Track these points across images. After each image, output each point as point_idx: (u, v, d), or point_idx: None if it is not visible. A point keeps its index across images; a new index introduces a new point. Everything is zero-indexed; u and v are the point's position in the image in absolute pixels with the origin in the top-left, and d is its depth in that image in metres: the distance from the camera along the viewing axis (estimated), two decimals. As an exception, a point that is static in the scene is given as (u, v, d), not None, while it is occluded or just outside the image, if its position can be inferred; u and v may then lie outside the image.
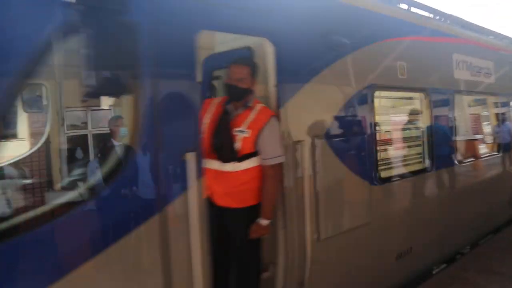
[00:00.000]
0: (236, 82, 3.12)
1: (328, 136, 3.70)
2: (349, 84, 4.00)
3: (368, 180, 4.09)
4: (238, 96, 3.16)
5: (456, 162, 5.55)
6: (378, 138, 4.37)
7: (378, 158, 4.30)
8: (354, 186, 3.94)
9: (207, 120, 3.23)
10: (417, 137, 5.07)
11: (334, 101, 3.85)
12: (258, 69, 3.23)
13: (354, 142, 3.99)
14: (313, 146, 3.54)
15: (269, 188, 3.13)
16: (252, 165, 3.13)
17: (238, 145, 3.07)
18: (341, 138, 3.85)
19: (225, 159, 3.11)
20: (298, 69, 3.54)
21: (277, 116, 3.24)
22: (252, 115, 3.13)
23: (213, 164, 3.14)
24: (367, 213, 4.06)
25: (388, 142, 4.83)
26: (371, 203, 4.11)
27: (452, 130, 5.54)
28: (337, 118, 3.83)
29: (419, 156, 5.05)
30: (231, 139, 3.09)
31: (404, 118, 5.13)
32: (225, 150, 3.11)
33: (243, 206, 3.15)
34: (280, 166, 3.19)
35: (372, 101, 4.21)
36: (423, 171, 4.98)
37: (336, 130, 3.82)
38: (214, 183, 3.16)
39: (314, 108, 3.64)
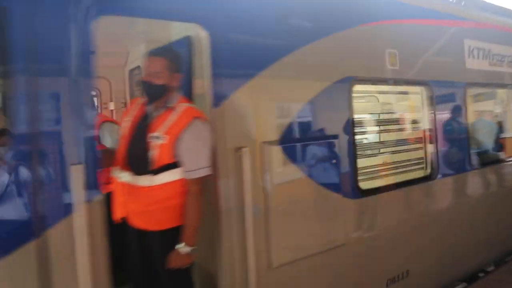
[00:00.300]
0: (151, 77, 2.56)
1: (284, 141, 3.04)
2: (316, 77, 3.31)
3: (342, 193, 3.38)
4: (154, 94, 2.60)
5: (469, 167, 4.67)
6: (358, 141, 3.64)
7: (359, 166, 3.56)
8: (322, 200, 3.24)
9: (126, 123, 2.71)
10: (416, 139, 4.26)
11: (293, 98, 3.18)
12: (180, 60, 2.65)
13: (321, 147, 3.29)
14: (262, 154, 2.90)
15: (191, 208, 2.53)
16: (172, 178, 2.55)
17: (152, 154, 2.51)
18: (303, 143, 3.18)
19: (138, 171, 2.56)
20: (241, 60, 2.91)
21: (209, 117, 2.65)
22: (172, 118, 2.55)
23: (127, 177, 2.59)
24: (341, 233, 3.35)
25: (373, 146, 4.06)
26: (346, 221, 3.40)
27: (463, 129, 4.66)
28: (298, 119, 3.17)
29: (418, 161, 4.24)
30: (144, 147, 2.53)
31: (398, 116, 4.32)
32: (137, 160, 2.57)
33: (160, 229, 2.57)
34: (203, 180, 2.58)
35: (350, 97, 3.49)
36: (423, 179, 4.17)
37: (296, 133, 3.16)
38: (129, 200, 2.61)
39: (264, 107, 2.99)
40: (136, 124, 2.67)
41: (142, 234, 2.64)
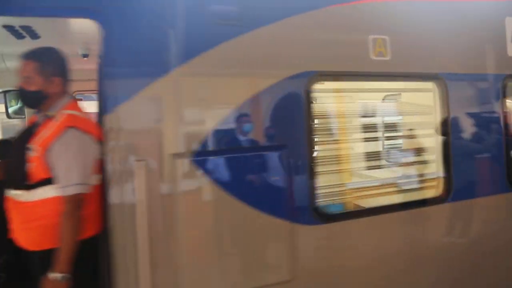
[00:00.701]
0: (22, 83, 2.34)
1: (202, 153, 2.49)
2: (255, 74, 2.67)
3: (290, 217, 2.70)
4: (29, 101, 2.50)
5: (507, 187, 3.55)
6: (319, 152, 2.91)
7: (319, 184, 2.84)
8: (256, 227, 2.62)
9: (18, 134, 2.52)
10: (419, 150, 3.31)
11: (221, 100, 2.60)
12: (60, 63, 2.36)
13: (257, 161, 2.65)
14: (168, 168, 2.41)
15: (62, 230, 2.23)
16: (50, 194, 2.29)
17: (29, 167, 2.27)
18: (229, 156, 2.58)
19: (16, 185, 2.34)
20: (146, 57, 2.43)
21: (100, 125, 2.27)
22: (49, 127, 2.31)
23: (10, 192, 2.37)
24: (286, 267, 2.69)
25: (348, 157, 3.23)
26: (294, 252, 2.72)
27: (498, 137, 3.54)
28: (225, 125, 2.58)
29: (425, 178, 3.30)
30: (22, 159, 2.29)
31: (390, 121, 3.39)
32: (14, 173, 2.37)
33: (39, 249, 2.31)
34: (76, 199, 2.22)
35: (307, 97, 2.78)
36: (430, 202, 3.22)
37: (221, 144, 2.57)
38: (12, 216, 2.39)
39: (177, 111, 2.47)
40: (21, 134, 2.46)
41: (26, 254, 2.40)
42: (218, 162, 2.56)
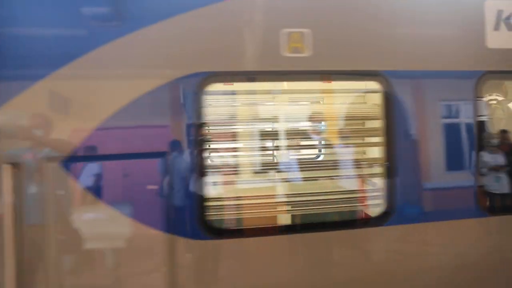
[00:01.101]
0: None
1: (75, 159, 2.41)
2: (138, 76, 2.49)
3: (169, 229, 2.49)
4: None
5: (476, 211, 2.88)
6: (211, 160, 2.63)
7: (211, 195, 2.56)
8: (128, 236, 2.46)
9: None
10: (345, 161, 2.82)
11: (99, 103, 2.47)
12: None
13: (131, 167, 2.48)
14: (38, 173, 2.37)
15: None
16: None
17: None
18: (102, 162, 2.46)
19: None
20: (17, 63, 2.40)
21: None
22: None
23: None
24: (162, 281, 2.49)
25: (247, 167, 2.84)
26: (175, 270, 2.51)
27: (470, 149, 2.87)
28: (101, 131, 2.45)
29: (349, 194, 2.81)
30: None
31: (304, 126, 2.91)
32: None
33: None
34: None
35: (198, 100, 2.52)
36: (356, 223, 2.74)
37: (95, 149, 2.45)
38: None
39: (47, 116, 2.41)
40: None
41: None
42: (91, 168, 2.46)
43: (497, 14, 2.90)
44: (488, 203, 3.13)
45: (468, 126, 2.86)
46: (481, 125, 2.92)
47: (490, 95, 3.41)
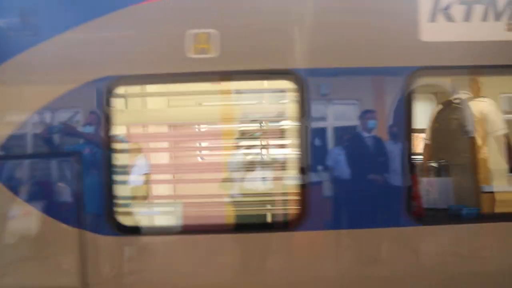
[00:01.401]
0: None
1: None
2: (52, 81, 2.66)
3: (79, 225, 2.65)
4: None
5: (409, 217, 2.66)
6: (123, 160, 2.73)
7: (122, 193, 2.67)
8: (41, 231, 2.66)
9: None
10: (259, 163, 2.74)
11: (17, 106, 2.69)
12: None
13: (45, 166, 2.67)
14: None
15: None
16: None
17: None
18: (18, 161, 2.68)
19: None
20: None
21: None
22: None
23: None
24: (70, 276, 2.65)
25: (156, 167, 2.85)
26: (84, 261, 2.67)
27: (397, 152, 2.64)
28: (16, 132, 2.66)
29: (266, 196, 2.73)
30: None
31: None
32: None
33: None
34: None
35: (107, 103, 2.63)
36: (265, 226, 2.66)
37: (11, 149, 2.68)
38: None
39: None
40: None
41: None
42: (8, 166, 2.69)
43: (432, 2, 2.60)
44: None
45: (398, 130, 2.63)
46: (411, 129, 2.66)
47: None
